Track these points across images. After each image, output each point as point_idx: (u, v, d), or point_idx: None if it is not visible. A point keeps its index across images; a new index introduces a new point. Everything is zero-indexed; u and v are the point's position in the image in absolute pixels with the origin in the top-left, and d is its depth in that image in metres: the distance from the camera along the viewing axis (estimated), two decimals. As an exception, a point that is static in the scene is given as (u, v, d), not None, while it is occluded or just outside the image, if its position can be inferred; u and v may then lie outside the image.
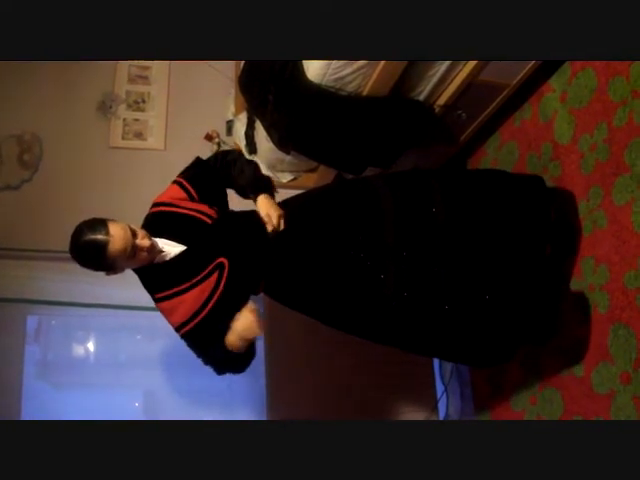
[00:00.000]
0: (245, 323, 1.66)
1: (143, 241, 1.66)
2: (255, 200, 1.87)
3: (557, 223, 2.12)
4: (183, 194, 1.83)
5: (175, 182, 1.87)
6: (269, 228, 1.80)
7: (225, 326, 1.69)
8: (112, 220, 1.67)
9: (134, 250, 1.65)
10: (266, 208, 1.82)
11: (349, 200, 1.93)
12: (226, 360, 1.77)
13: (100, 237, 1.60)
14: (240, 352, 1.72)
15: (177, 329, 1.76)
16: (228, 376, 1.85)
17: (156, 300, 1.76)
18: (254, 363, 1.83)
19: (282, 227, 1.81)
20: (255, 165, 1.95)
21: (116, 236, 1.61)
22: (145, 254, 1.68)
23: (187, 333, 1.75)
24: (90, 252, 1.62)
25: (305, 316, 1.96)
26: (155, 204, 1.84)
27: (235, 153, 2.01)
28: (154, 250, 1.71)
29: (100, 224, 1.63)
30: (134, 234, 1.65)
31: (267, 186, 1.91)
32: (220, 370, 1.83)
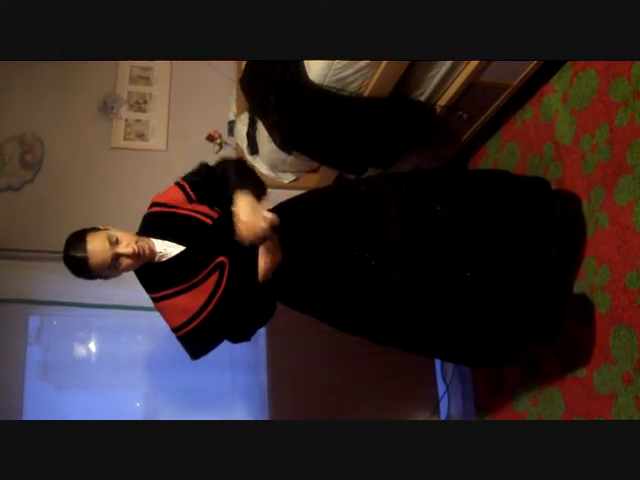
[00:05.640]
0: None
1: (126, 249, 1.64)
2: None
3: (562, 226, 2.11)
4: (182, 196, 1.81)
5: (177, 184, 1.84)
6: (243, 240, 1.57)
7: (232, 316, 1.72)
8: (93, 232, 1.66)
9: (116, 258, 1.64)
10: (243, 214, 1.57)
11: (353, 201, 1.91)
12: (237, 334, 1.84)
13: (79, 255, 1.62)
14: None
15: (176, 330, 1.75)
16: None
17: (154, 299, 1.75)
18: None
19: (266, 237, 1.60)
20: (237, 164, 1.82)
21: (93, 251, 1.62)
22: (129, 261, 1.66)
23: (187, 334, 1.74)
24: (74, 267, 1.66)
25: (307, 316, 1.95)
26: (154, 204, 1.82)
27: (228, 161, 1.88)
28: (144, 254, 1.68)
29: (79, 240, 1.64)
30: (116, 242, 1.64)
31: (249, 183, 1.70)
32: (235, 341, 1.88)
